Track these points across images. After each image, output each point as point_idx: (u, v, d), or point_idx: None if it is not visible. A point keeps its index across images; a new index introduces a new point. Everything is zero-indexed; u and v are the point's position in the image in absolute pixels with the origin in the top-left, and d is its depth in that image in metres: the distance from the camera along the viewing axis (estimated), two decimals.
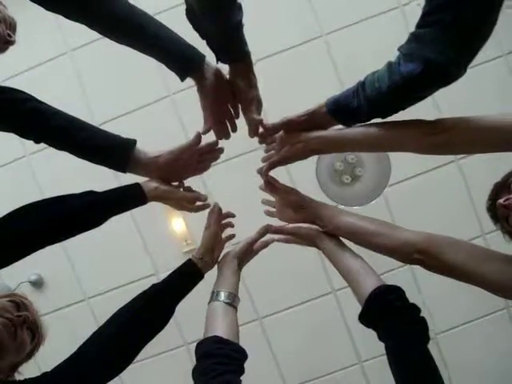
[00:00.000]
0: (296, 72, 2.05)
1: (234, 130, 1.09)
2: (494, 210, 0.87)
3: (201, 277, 1.08)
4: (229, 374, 0.84)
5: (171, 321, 1.05)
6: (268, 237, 1.14)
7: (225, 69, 1.02)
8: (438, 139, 0.86)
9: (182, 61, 1.00)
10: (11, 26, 1.02)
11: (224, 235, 1.15)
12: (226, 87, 1.02)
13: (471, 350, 2.08)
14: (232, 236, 1.17)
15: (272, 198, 1.16)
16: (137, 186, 1.05)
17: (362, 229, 0.98)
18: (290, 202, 1.07)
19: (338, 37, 2.05)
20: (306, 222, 1.06)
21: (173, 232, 2.07)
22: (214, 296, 1.02)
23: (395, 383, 0.85)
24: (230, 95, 1.03)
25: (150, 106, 2.09)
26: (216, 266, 1.12)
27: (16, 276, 2.01)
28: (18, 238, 0.93)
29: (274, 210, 1.15)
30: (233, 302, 1.01)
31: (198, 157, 1.09)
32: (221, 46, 0.95)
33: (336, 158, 1.11)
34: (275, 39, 2.03)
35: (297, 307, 2.12)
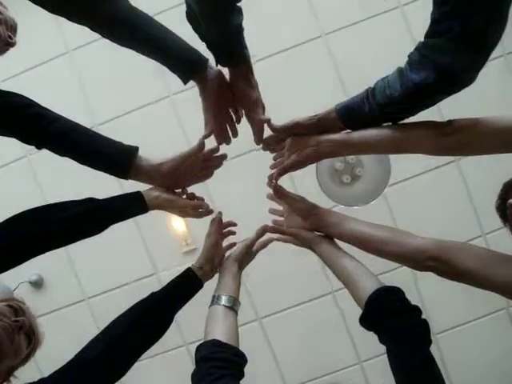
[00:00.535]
0: (296, 72, 2.05)
1: (235, 134, 1.09)
2: (503, 209, 0.87)
3: (200, 286, 1.08)
4: (226, 378, 0.83)
5: None
6: (267, 236, 1.14)
7: (224, 72, 1.02)
8: (450, 140, 0.86)
9: (185, 64, 0.99)
10: (12, 27, 1.02)
11: (226, 243, 1.16)
12: (227, 90, 1.02)
13: (471, 350, 2.08)
14: (233, 244, 1.17)
15: (278, 207, 1.15)
16: (138, 194, 1.04)
17: (371, 236, 0.97)
18: (298, 210, 1.07)
19: (337, 37, 2.05)
20: (313, 230, 1.05)
21: (173, 232, 2.07)
22: (215, 300, 1.02)
23: None
24: (231, 99, 1.03)
25: (150, 106, 2.09)
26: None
27: (16, 276, 2.01)
28: (17, 244, 0.93)
29: (281, 219, 1.15)
30: (233, 306, 1.01)
31: (200, 164, 1.09)
32: (221, 49, 0.95)
33: (336, 158, 1.11)
34: (275, 39, 2.03)
35: (297, 307, 2.12)
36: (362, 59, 2.02)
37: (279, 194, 1.09)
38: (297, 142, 0.99)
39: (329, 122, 0.95)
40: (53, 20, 1.86)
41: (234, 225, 1.18)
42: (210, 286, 1.11)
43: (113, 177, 1.07)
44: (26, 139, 1.03)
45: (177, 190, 1.10)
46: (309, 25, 2.05)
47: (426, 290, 2.00)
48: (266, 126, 1.03)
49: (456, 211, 2.05)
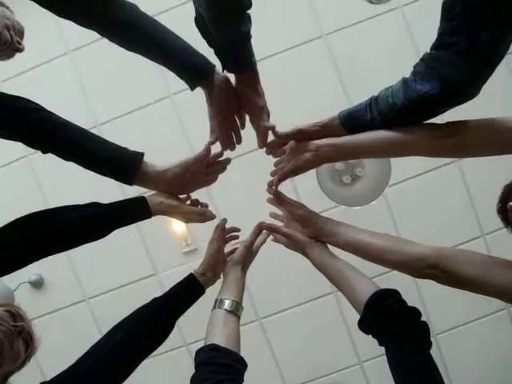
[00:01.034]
0: (296, 72, 2.05)
1: (239, 141, 1.09)
2: (504, 212, 0.87)
3: (202, 292, 1.08)
4: (225, 383, 0.83)
5: None
6: (264, 234, 1.14)
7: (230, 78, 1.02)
8: (450, 142, 0.86)
9: (193, 70, 1.00)
10: (19, 32, 1.02)
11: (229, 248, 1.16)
12: (234, 97, 1.02)
13: (471, 350, 2.08)
14: (235, 250, 1.16)
15: (279, 211, 1.15)
16: (142, 200, 1.04)
17: (370, 245, 0.97)
18: (298, 217, 1.06)
19: (338, 37, 2.05)
20: (312, 237, 1.05)
21: (173, 232, 2.07)
22: (218, 303, 1.01)
23: None
24: (237, 105, 1.04)
25: (150, 106, 2.09)
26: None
27: (16, 276, 2.01)
28: (21, 247, 0.93)
29: (281, 223, 1.15)
30: (235, 311, 1.00)
31: (204, 169, 1.09)
32: (229, 55, 0.96)
33: None
34: (275, 39, 2.03)
35: (297, 307, 2.12)
36: (362, 59, 2.02)
37: (279, 200, 1.08)
38: (297, 147, 0.99)
39: (332, 129, 0.95)
40: (53, 20, 1.86)
41: (238, 230, 1.18)
42: (210, 287, 1.11)
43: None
44: (31, 144, 1.03)
45: (181, 196, 1.10)
46: (309, 25, 2.05)
47: (426, 291, 2.01)
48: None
49: (456, 211, 2.05)
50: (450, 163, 2.03)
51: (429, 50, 0.84)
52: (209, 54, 0.99)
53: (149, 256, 2.11)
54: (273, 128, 1.02)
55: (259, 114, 1.02)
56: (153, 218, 1.06)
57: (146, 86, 2.04)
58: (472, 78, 0.80)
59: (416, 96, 0.84)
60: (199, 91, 1.03)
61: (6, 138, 1.03)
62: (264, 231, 1.14)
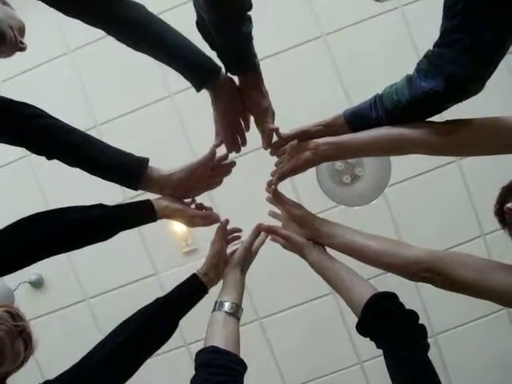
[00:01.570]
0: (296, 72, 2.05)
1: (244, 143, 1.09)
2: (501, 214, 0.87)
3: (205, 292, 1.08)
4: None
5: None
6: (263, 235, 1.14)
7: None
8: (448, 140, 0.86)
9: (199, 72, 0.99)
10: (21, 29, 1.02)
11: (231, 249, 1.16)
12: (239, 99, 1.02)
13: (471, 350, 2.08)
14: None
15: (278, 211, 1.15)
16: (148, 203, 1.04)
17: (366, 247, 0.96)
18: (295, 218, 1.06)
19: (338, 37, 2.05)
20: (309, 238, 1.05)
21: (173, 232, 2.07)
22: (217, 306, 1.01)
23: None
24: (242, 107, 1.04)
25: (150, 106, 2.09)
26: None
27: (16, 276, 2.01)
28: (25, 248, 0.94)
29: (279, 223, 1.14)
30: (235, 313, 1.00)
31: (209, 172, 1.09)
32: (231, 57, 0.96)
33: None
34: (275, 39, 2.03)
35: (297, 307, 2.12)
36: (362, 59, 2.02)
37: (277, 199, 1.08)
38: (297, 146, 0.99)
39: (336, 128, 0.95)
40: (53, 20, 1.86)
41: (239, 231, 1.18)
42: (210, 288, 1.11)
43: None
44: (36, 150, 1.03)
45: (186, 200, 1.10)
46: (309, 25, 2.05)
47: (426, 291, 2.00)
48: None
49: (456, 211, 2.05)
50: (450, 163, 2.03)
51: (432, 48, 0.84)
52: (211, 56, 0.99)
53: (149, 256, 2.10)
54: (276, 130, 1.02)
55: (264, 115, 1.02)
56: None
57: (146, 85, 2.04)
58: (476, 74, 0.80)
59: (421, 93, 0.84)
60: (201, 92, 1.03)
61: (10, 144, 1.03)
62: (263, 232, 1.14)
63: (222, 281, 1.11)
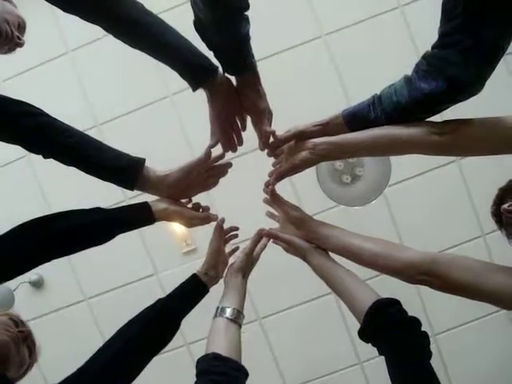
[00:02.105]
0: (296, 72, 2.05)
1: (241, 143, 1.09)
2: (499, 215, 0.87)
3: (206, 291, 1.09)
4: None
5: None
6: (264, 240, 1.14)
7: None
8: (446, 140, 0.86)
9: (196, 71, 0.99)
10: (20, 26, 1.02)
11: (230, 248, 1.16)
12: (235, 99, 1.02)
13: (471, 350, 2.08)
14: (236, 249, 1.17)
15: (276, 212, 1.15)
16: (146, 206, 1.04)
17: (362, 250, 0.96)
18: (292, 219, 1.06)
19: (338, 37, 2.05)
20: (306, 240, 1.05)
21: (172, 232, 2.07)
22: (219, 312, 1.00)
23: None
24: (239, 107, 1.04)
25: (150, 106, 2.09)
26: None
27: None
28: (25, 253, 0.94)
29: (277, 224, 1.15)
30: (237, 319, 0.99)
31: (205, 172, 1.09)
32: (228, 57, 0.96)
33: None
34: (275, 39, 2.03)
35: (297, 307, 2.12)
36: (362, 59, 2.02)
37: (275, 200, 1.08)
38: (295, 146, 0.99)
39: (334, 128, 0.95)
40: (53, 20, 1.86)
41: (236, 229, 1.18)
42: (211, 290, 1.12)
43: None
44: (32, 149, 1.03)
45: (182, 200, 1.10)
46: (309, 25, 2.05)
47: (426, 291, 1.99)
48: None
49: (456, 211, 2.05)
50: (450, 163, 2.03)
51: (430, 49, 0.84)
52: (208, 56, 0.99)
53: (149, 256, 2.10)
54: (273, 133, 1.02)
55: (261, 116, 1.02)
56: None
57: (146, 85, 2.04)
58: (476, 75, 0.80)
59: (421, 94, 0.84)
60: (199, 91, 1.03)
61: (7, 142, 1.03)
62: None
63: (221, 281, 1.11)
